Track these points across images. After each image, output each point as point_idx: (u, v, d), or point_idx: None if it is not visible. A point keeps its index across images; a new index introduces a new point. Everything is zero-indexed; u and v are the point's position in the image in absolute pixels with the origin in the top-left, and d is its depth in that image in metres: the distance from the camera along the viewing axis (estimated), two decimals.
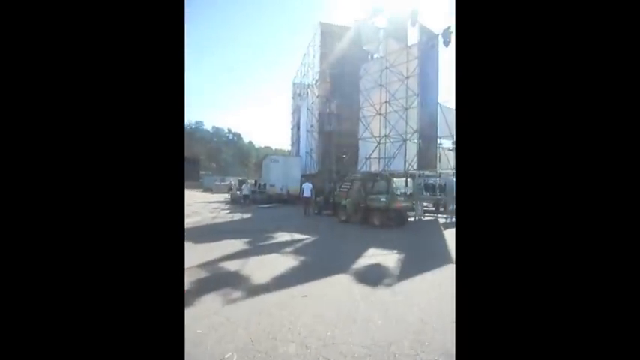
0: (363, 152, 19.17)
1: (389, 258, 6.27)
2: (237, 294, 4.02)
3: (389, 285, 4.54)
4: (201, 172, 52.30)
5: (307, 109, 25.02)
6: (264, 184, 21.99)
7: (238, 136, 79.04)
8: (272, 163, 21.51)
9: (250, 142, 79.55)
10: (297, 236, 8.59)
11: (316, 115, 23.78)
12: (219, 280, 4.54)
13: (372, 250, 6.97)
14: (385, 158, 17.61)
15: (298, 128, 29.75)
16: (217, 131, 75.90)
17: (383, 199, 10.66)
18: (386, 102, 17.58)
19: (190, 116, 68.76)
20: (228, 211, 15.44)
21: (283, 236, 8.57)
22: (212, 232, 8.84)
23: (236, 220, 12.29)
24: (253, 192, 20.88)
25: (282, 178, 21.06)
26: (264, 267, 5.30)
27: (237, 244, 7.13)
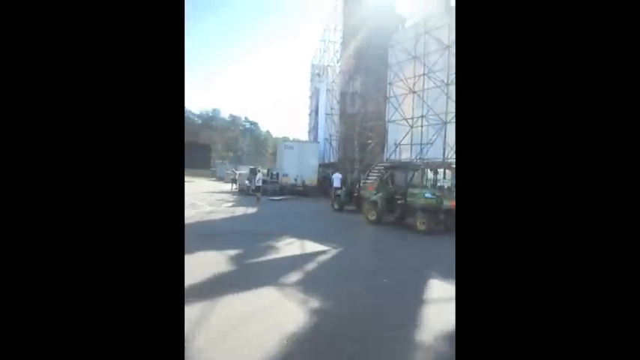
0: (392, 137, 16.18)
1: None
2: None
3: None
4: (218, 161, 50.98)
5: (327, 89, 22.01)
6: (277, 174, 19.39)
7: (255, 124, 77.05)
8: (286, 149, 18.77)
9: (268, 132, 77.09)
10: (311, 247, 5.88)
11: (337, 97, 20.78)
12: None
13: (439, 285, 4.17)
14: (420, 144, 14.58)
15: (317, 113, 26.83)
16: (234, 119, 74.11)
17: (430, 195, 7.78)
18: (423, 75, 14.44)
19: (206, 104, 67.59)
20: (231, 204, 12.93)
21: (290, 246, 5.88)
22: (196, 235, 6.10)
23: (236, 217, 9.73)
24: (264, 182, 18.30)
25: (298, 166, 18.32)
26: (238, 332, 2.62)
27: (215, 261, 4.49)
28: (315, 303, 3.28)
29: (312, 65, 30.23)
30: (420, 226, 7.66)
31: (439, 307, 3.35)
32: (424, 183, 8.83)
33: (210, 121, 63.86)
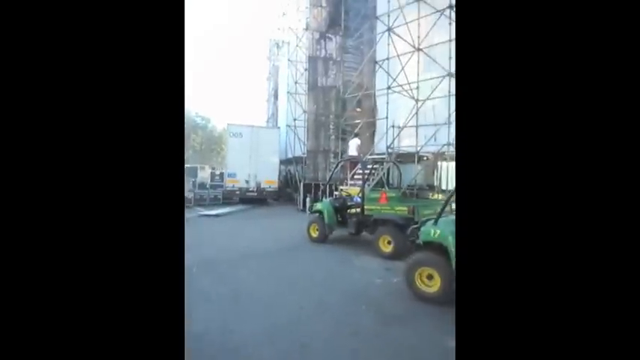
0: (388, 118, 11.02)
1: None
2: None
3: None
4: None
5: (289, 60, 16.42)
6: (221, 174, 13.54)
7: (207, 120, 69.53)
8: (232, 138, 12.97)
9: (224, 128, 69.60)
10: None
11: (303, 66, 15.21)
12: None
13: None
14: (434, 125, 9.50)
15: (276, 97, 21.13)
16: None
17: None
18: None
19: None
20: None
21: None
22: None
23: None
24: (201, 186, 12.40)
25: (250, 162, 12.58)
26: None
27: None
28: None
29: (270, 40, 24.41)
30: None
31: None
32: None
33: None
